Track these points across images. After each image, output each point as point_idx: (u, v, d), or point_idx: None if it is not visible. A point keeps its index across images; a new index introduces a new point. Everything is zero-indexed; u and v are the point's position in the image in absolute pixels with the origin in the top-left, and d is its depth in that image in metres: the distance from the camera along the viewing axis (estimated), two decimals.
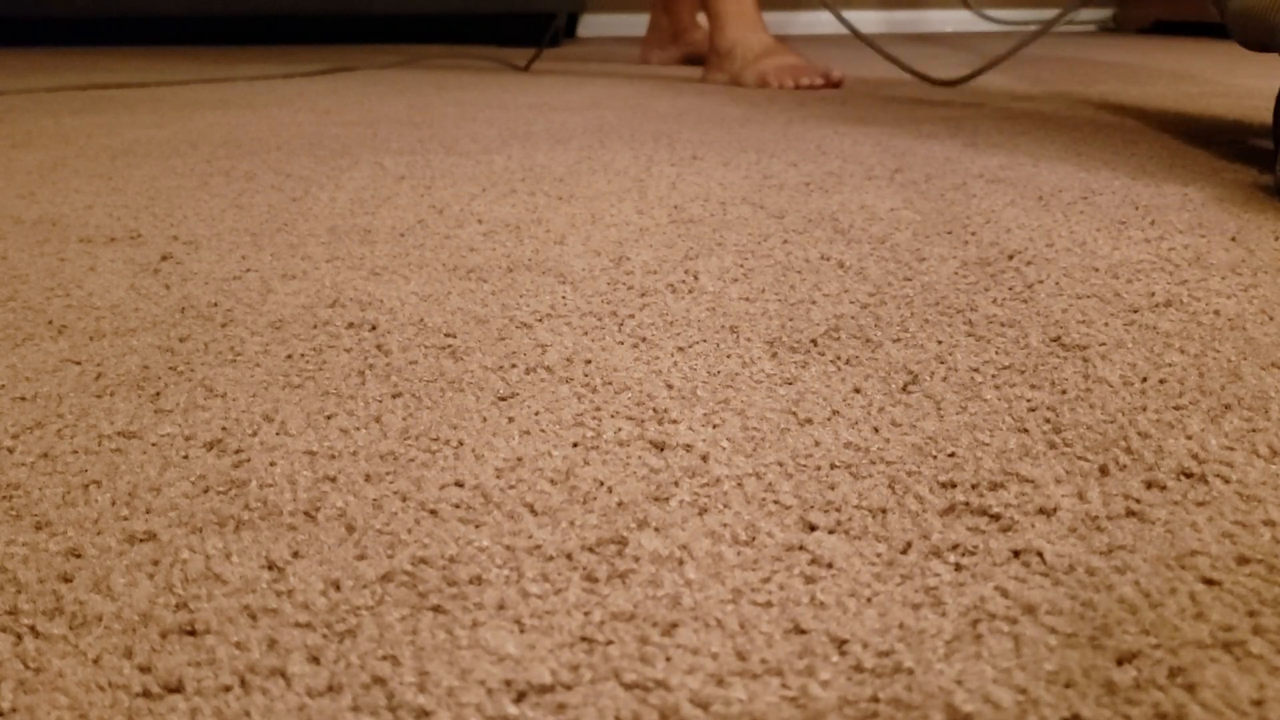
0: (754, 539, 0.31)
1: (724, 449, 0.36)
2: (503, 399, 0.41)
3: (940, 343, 0.46)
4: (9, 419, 0.40)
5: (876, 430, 0.38)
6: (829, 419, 0.39)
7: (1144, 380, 0.42)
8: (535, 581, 0.29)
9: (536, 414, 0.40)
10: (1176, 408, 0.39)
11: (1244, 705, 0.23)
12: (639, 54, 2.15)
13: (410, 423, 0.39)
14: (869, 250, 0.62)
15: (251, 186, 0.84)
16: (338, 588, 0.29)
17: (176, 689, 0.25)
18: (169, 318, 0.52)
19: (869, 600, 0.28)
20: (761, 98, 1.44)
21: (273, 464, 0.36)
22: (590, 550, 0.30)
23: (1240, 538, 0.30)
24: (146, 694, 0.25)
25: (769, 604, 0.27)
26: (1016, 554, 0.30)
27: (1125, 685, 0.24)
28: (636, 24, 3.22)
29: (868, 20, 3.56)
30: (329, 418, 0.40)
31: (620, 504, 0.33)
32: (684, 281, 0.56)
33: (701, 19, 2.01)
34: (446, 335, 0.48)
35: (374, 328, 0.50)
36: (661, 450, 0.36)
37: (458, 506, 0.33)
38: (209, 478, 0.35)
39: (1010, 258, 0.59)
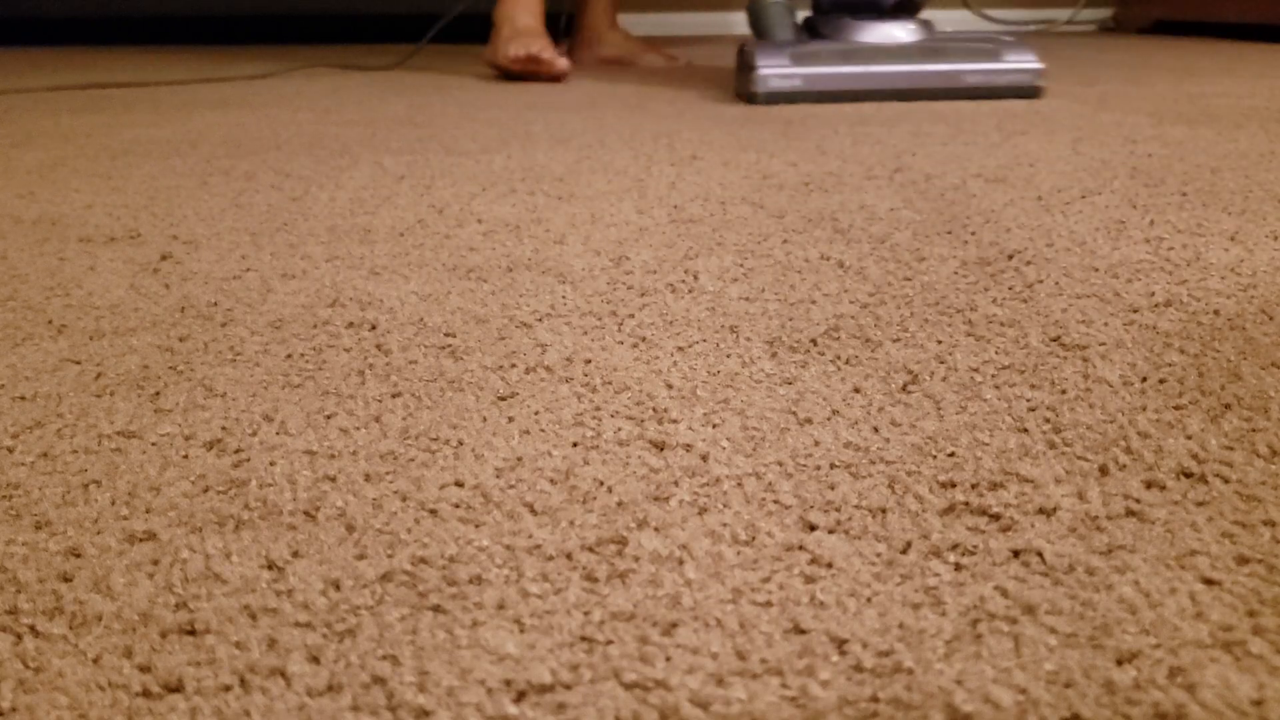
0: (754, 539, 0.31)
1: (724, 449, 0.36)
2: (503, 399, 0.41)
3: (940, 343, 0.46)
4: (9, 419, 0.40)
5: (876, 430, 0.38)
6: (829, 419, 0.39)
7: (1144, 380, 0.42)
8: (535, 581, 0.29)
9: (536, 414, 0.40)
10: (1176, 408, 0.39)
11: (1244, 705, 0.23)
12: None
13: (410, 422, 0.39)
14: (869, 250, 0.62)
15: (251, 186, 0.84)
16: (338, 587, 0.29)
17: (176, 688, 0.25)
18: (169, 317, 0.52)
19: (869, 600, 0.28)
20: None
21: (273, 464, 0.36)
22: (590, 550, 0.30)
23: (1240, 538, 0.30)
24: (146, 694, 0.25)
25: (769, 604, 0.27)
26: (1016, 554, 0.30)
27: (1125, 685, 0.24)
28: (634, 23, 3.22)
29: None
30: (329, 417, 0.40)
31: (620, 504, 0.33)
32: (684, 281, 0.56)
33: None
34: (446, 335, 0.48)
35: (374, 327, 0.50)
36: (661, 450, 0.36)
37: (457, 506, 0.33)
38: (209, 477, 0.35)
39: (1010, 258, 0.59)
